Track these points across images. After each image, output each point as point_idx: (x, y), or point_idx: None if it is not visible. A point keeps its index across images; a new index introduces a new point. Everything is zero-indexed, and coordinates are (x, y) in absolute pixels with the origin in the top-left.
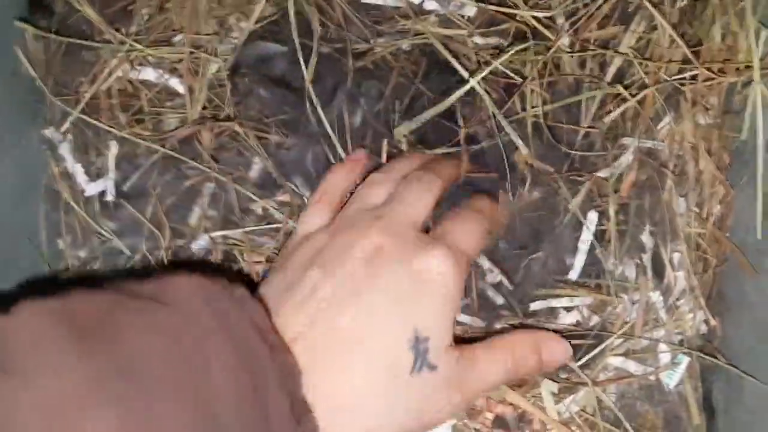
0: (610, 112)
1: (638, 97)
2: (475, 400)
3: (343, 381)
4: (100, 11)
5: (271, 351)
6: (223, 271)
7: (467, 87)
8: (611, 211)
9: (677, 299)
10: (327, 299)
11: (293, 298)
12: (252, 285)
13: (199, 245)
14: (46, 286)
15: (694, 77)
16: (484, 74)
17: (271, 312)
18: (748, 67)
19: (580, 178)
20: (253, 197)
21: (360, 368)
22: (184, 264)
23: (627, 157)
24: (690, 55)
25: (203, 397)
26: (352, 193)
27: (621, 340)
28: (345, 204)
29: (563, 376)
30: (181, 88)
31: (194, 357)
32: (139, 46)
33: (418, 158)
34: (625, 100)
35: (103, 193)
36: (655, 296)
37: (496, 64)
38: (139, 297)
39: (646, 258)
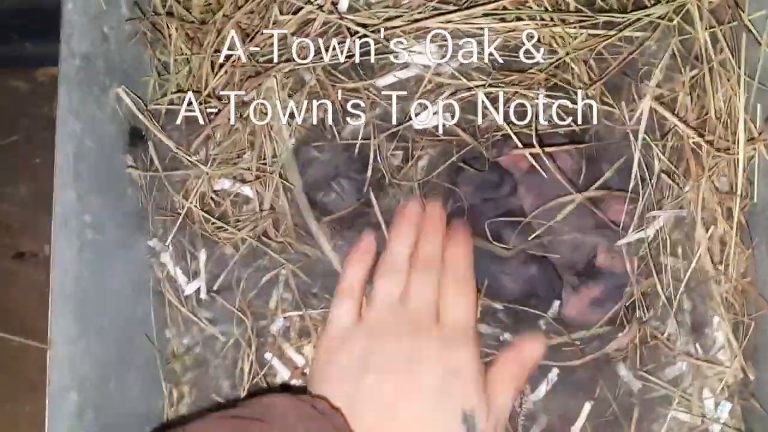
0: None
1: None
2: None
3: None
4: (186, 136)
5: None
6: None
7: None
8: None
9: (717, 352)
10: (387, 404)
11: (357, 405)
12: None
13: (277, 325)
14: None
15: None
16: None
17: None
18: (751, 139)
19: None
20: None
21: None
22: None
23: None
24: (693, 146)
25: None
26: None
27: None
28: (369, 296)
29: None
30: (251, 193)
31: None
32: (207, 169)
33: (410, 229)
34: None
35: (198, 290)
36: (699, 351)
37: None
38: (247, 418)
39: (687, 317)
